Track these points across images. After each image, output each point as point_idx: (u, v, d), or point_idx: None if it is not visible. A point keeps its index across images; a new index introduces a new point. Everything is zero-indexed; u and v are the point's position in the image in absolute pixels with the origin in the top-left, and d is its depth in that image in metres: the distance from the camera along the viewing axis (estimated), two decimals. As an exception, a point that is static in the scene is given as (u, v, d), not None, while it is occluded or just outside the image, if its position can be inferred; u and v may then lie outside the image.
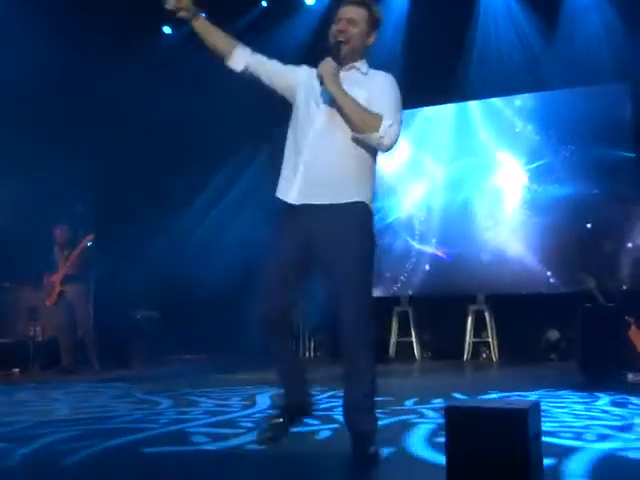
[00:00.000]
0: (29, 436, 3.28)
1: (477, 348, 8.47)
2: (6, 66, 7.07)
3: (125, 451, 3.01)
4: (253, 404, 4.38)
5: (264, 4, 9.62)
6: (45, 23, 7.22)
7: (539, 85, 8.58)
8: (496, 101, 8.92)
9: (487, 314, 8.37)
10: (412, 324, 8.78)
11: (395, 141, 2.88)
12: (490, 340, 8.33)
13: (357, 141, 2.91)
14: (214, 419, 3.79)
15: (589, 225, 8.14)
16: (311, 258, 2.95)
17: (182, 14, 3.08)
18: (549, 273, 8.25)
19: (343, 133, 2.91)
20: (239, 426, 3.54)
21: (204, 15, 3.16)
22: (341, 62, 2.95)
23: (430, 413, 3.92)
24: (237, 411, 4.06)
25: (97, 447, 3.02)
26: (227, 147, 9.26)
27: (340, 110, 2.89)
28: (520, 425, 2.01)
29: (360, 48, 3.04)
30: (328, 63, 2.91)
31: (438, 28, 8.36)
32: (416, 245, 9.14)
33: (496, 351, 8.30)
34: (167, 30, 9.68)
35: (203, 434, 3.29)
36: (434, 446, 2.94)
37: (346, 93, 2.88)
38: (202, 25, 3.15)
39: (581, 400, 4.49)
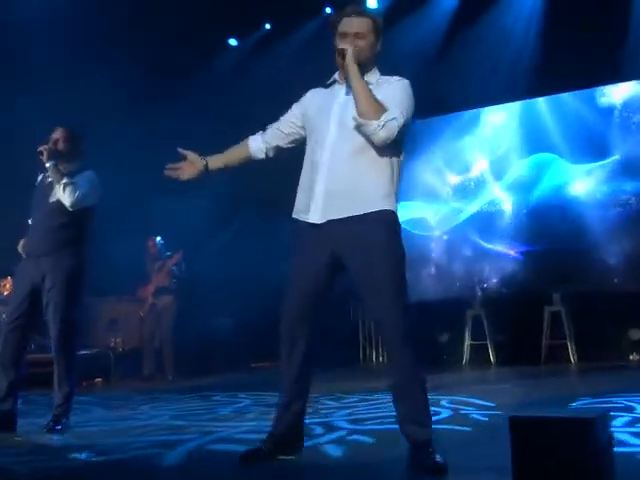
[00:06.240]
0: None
1: (554, 350, 8.19)
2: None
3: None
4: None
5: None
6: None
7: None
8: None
9: (563, 314, 8.10)
10: (486, 327, 8.59)
11: (391, 136, 2.80)
12: (568, 342, 8.04)
13: (371, 148, 2.84)
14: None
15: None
16: (338, 273, 2.92)
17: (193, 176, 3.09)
18: (626, 272, 7.94)
19: (357, 143, 2.86)
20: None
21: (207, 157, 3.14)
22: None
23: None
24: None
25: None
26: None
27: (353, 92, 2.84)
28: (585, 436, 1.98)
29: (371, 60, 2.99)
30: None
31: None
32: (487, 246, 9.00)
33: (574, 353, 8.00)
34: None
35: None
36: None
37: (360, 75, 2.85)
38: (215, 164, 3.14)
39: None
